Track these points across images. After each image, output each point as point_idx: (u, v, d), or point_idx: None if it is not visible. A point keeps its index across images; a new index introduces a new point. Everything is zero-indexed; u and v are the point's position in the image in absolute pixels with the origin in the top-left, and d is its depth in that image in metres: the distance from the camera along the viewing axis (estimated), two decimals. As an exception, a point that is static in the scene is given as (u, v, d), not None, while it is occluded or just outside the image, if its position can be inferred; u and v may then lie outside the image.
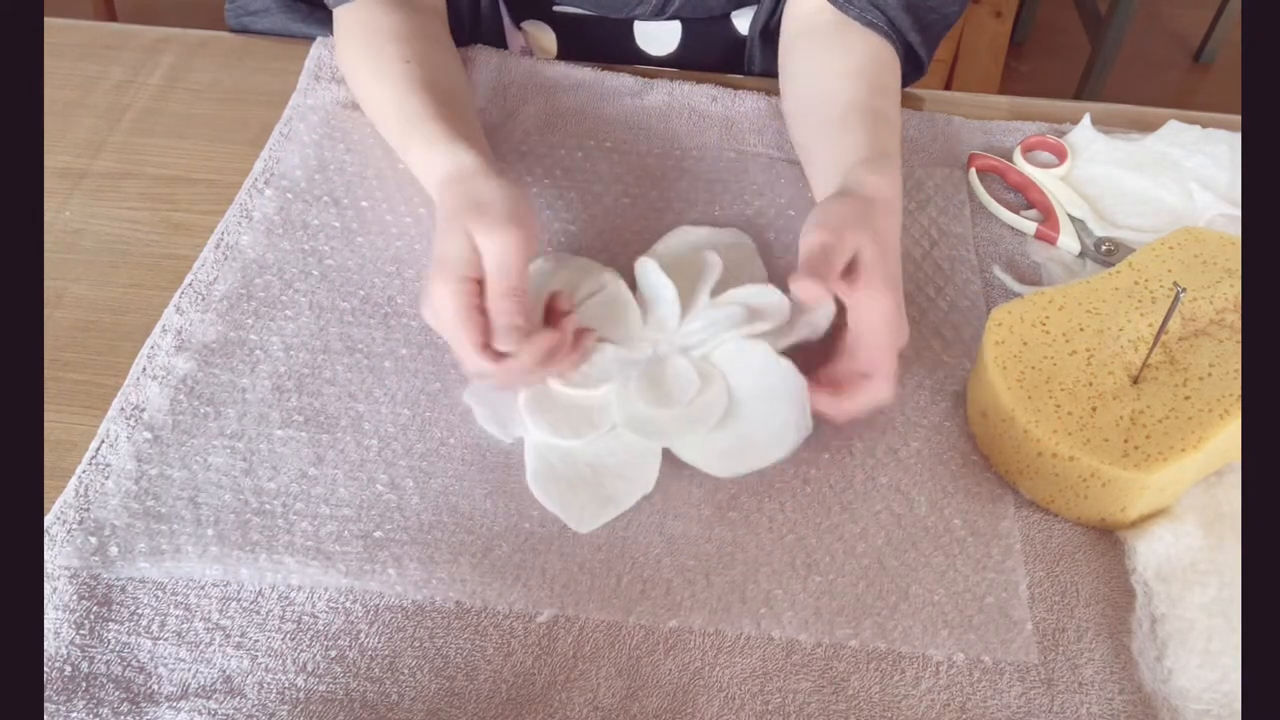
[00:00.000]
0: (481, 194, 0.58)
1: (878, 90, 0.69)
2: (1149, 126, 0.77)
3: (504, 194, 0.58)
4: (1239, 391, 0.55)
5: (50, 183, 0.72)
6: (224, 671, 0.50)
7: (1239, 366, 0.56)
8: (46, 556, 0.52)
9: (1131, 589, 0.54)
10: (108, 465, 0.56)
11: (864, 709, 0.50)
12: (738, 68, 0.85)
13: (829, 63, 0.72)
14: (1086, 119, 0.76)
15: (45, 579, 0.52)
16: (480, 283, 0.56)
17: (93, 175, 0.72)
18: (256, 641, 0.51)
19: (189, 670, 0.50)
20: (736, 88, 0.79)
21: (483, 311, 0.56)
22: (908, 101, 0.81)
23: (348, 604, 0.52)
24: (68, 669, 0.49)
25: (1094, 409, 0.55)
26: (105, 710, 0.48)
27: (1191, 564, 0.53)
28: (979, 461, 0.59)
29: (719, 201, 0.71)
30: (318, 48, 0.80)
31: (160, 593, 0.52)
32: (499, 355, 0.55)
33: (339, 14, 0.73)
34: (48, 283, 0.65)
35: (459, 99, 0.69)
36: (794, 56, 0.76)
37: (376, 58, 0.69)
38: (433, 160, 0.63)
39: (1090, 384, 0.56)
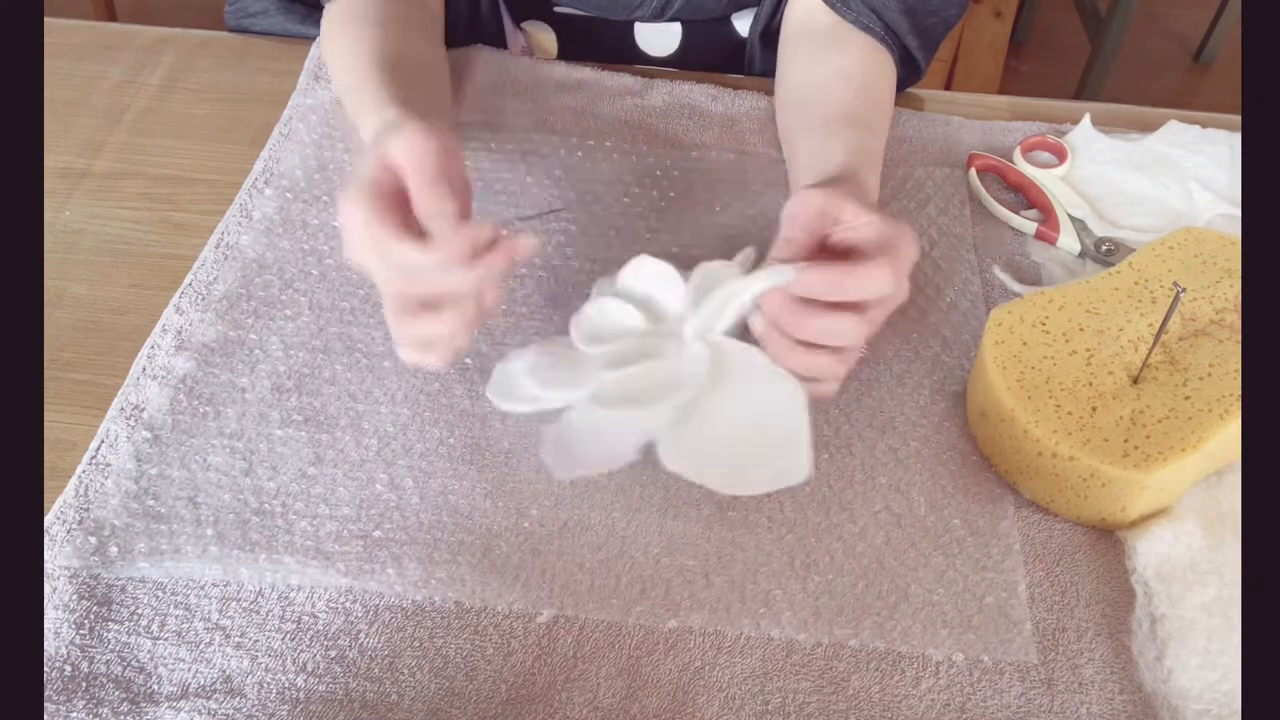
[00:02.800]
0: (396, 122, 0.55)
1: (865, 96, 0.69)
2: (1149, 126, 0.77)
3: (418, 119, 0.54)
4: (1239, 391, 0.55)
5: (50, 183, 0.72)
6: (224, 671, 0.50)
7: (1239, 366, 0.56)
8: (46, 556, 0.52)
9: (1131, 589, 0.54)
10: (108, 465, 0.56)
11: (864, 709, 0.50)
12: (738, 70, 0.85)
13: (820, 65, 0.72)
14: (1086, 119, 0.76)
15: (45, 579, 0.52)
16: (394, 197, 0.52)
17: (93, 175, 0.72)
18: (256, 641, 0.51)
19: (189, 670, 0.50)
20: (736, 87, 0.79)
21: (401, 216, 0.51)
22: (908, 102, 0.81)
23: (347, 604, 0.52)
24: (68, 669, 0.49)
25: (1094, 409, 0.55)
26: (105, 710, 0.48)
27: (1191, 564, 0.53)
28: (979, 461, 0.59)
29: (719, 201, 0.71)
30: (317, 48, 0.80)
31: (160, 593, 0.52)
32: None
33: (329, 9, 0.73)
34: (48, 283, 0.65)
35: (424, 80, 0.68)
36: (788, 57, 0.76)
37: (354, 39, 0.68)
38: (371, 125, 0.60)
39: (1090, 384, 0.56)
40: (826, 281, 0.52)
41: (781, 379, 0.55)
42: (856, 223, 0.54)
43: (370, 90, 0.63)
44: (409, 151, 0.52)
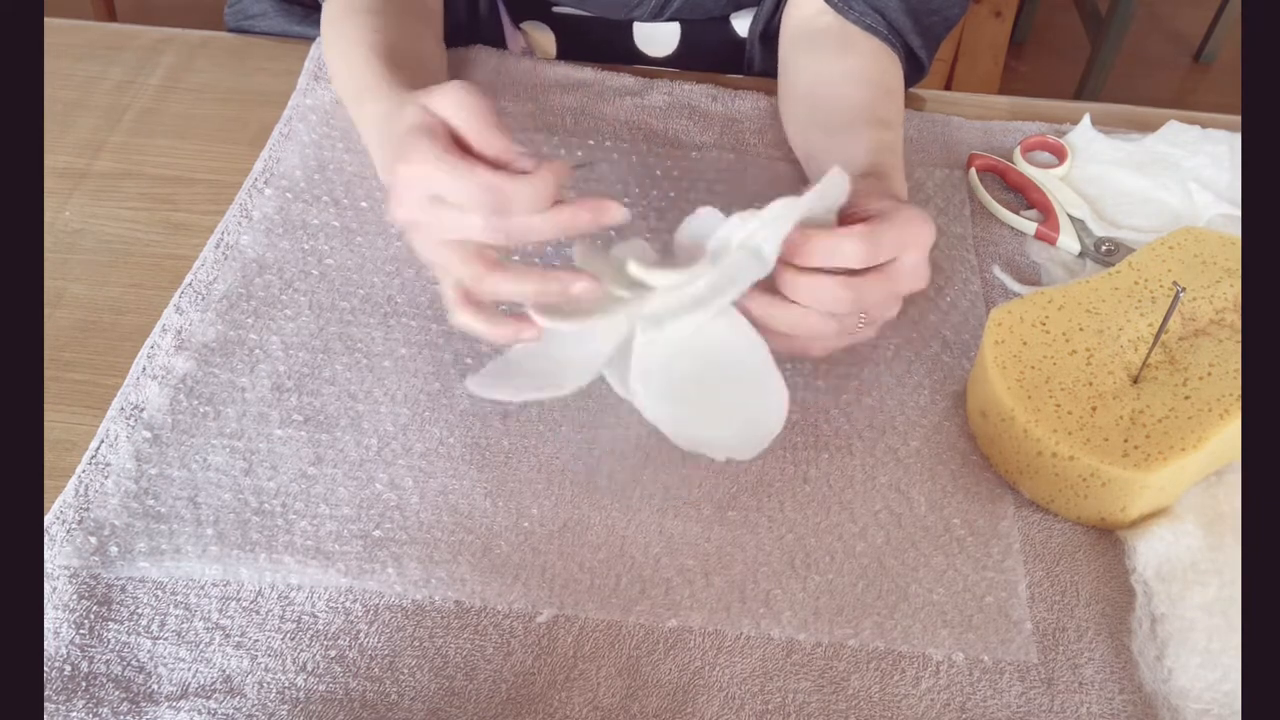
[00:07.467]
0: (410, 99, 0.54)
1: (881, 95, 0.70)
2: (1149, 126, 0.77)
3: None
4: (1239, 391, 0.55)
5: (50, 183, 0.72)
6: (224, 671, 0.50)
7: (1239, 366, 0.56)
8: (46, 556, 0.52)
9: (1131, 589, 0.54)
10: (107, 465, 0.56)
11: (864, 709, 0.50)
12: (736, 69, 0.85)
13: (830, 67, 0.72)
14: (1086, 119, 0.76)
15: (45, 579, 0.52)
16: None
17: (93, 175, 0.72)
18: (256, 641, 0.51)
19: (189, 670, 0.50)
20: (736, 88, 0.79)
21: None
22: (909, 101, 0.80)
23: (347, 604, 0.52)
24: (68, 669, 0.49)
25: (1094, 409, 0.55)
26: (105, 710, 0.48)
27: (1191, 564, 0.53)
28: (979, 461, 0.59)
29: (719, 202, 0.71)
30: (317, 48, 0.80)
31: (160, 592, 0.52)
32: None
33: (328, 5, 0.73)
34: (48, 283, 0.65)
35: (424, 67, 0.69)
36: (794, 59, 0.76)
37: (351, 32, 0.69)
38: (378, 108, 0.61)
39: (1090, 384, 0.56)
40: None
41: (746, 326, 0.54)
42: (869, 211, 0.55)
43: (374, 75, 0.63)
44: (463, 103, 0.51)
